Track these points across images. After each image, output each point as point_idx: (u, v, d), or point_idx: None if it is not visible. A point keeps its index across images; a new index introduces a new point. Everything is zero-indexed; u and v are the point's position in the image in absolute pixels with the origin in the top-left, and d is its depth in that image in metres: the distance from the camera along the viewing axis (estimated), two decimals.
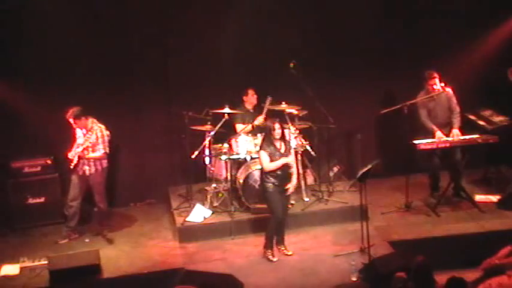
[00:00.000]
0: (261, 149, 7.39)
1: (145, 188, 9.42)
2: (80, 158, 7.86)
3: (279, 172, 7.31)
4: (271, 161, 7.27)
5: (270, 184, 7.32)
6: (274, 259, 7.46)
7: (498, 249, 6.32)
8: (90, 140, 7.82)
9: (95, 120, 7.97)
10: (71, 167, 7.90)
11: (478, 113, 9.18)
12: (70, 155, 7.91)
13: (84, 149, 7.81)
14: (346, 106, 9.31)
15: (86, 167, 7.93)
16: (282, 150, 7.32)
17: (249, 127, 8.54)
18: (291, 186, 7.47)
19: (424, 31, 9.28)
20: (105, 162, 8.05)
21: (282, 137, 7.37)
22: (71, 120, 7.80)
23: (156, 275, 7.25)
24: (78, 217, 8.13)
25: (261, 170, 7.50)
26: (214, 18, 8.92)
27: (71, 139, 8.00)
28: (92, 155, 7.88)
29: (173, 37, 8.97)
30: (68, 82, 8.69)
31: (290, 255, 7.51)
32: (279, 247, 7.56)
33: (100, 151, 7.92)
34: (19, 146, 8.49)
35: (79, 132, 7.96)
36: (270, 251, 7.50)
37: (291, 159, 7.41)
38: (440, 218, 8.18)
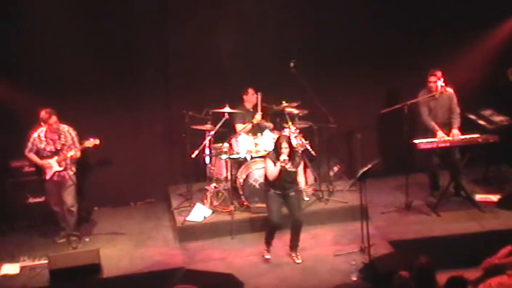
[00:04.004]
0: (267, 157, 7.40)
1: (145, 187, 9.40)
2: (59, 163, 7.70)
3: (278, 183, 7.25)
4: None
5: (271, 191, 7.33)
6: (267, 256, 7.43)
7: (498, 248, 6.32)
8: (67, 142, 7.66)
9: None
10: (48, 176, 7.72)
11: (478, 112, 9.18)
12: (57, 164, 7.65)
13: (74, 152, 7.62)
14: (346, 106, 9.30)
15: (64, 172, 7.76)
16: (288, 166, 7.21)
17: (249, 126, 8.54)
18: (301, 182, 7.41)
19: (424, 31, 9.27)
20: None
21: (290, 154, 7.23)
22: (52, 124, 7.55)
23: (156, 274, 7.25)
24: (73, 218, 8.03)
25: (265, 178, 7.50)
26: (214, 18, 8.92)
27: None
28: (78, 154, 7.68)
29: (173, 37, 8.98)
30: (67, 82, 8.67)
31: (298, 263, 7.37)
32: (291, 252, 7.47)
33: (80, 148, 7.68)
34: (19, 145, 8.47)
35: (43, 139, 7.70)
36: (265, 247, 7.48)
37: (293, 169, 7.27)
38: (441, 218, 8.18)
